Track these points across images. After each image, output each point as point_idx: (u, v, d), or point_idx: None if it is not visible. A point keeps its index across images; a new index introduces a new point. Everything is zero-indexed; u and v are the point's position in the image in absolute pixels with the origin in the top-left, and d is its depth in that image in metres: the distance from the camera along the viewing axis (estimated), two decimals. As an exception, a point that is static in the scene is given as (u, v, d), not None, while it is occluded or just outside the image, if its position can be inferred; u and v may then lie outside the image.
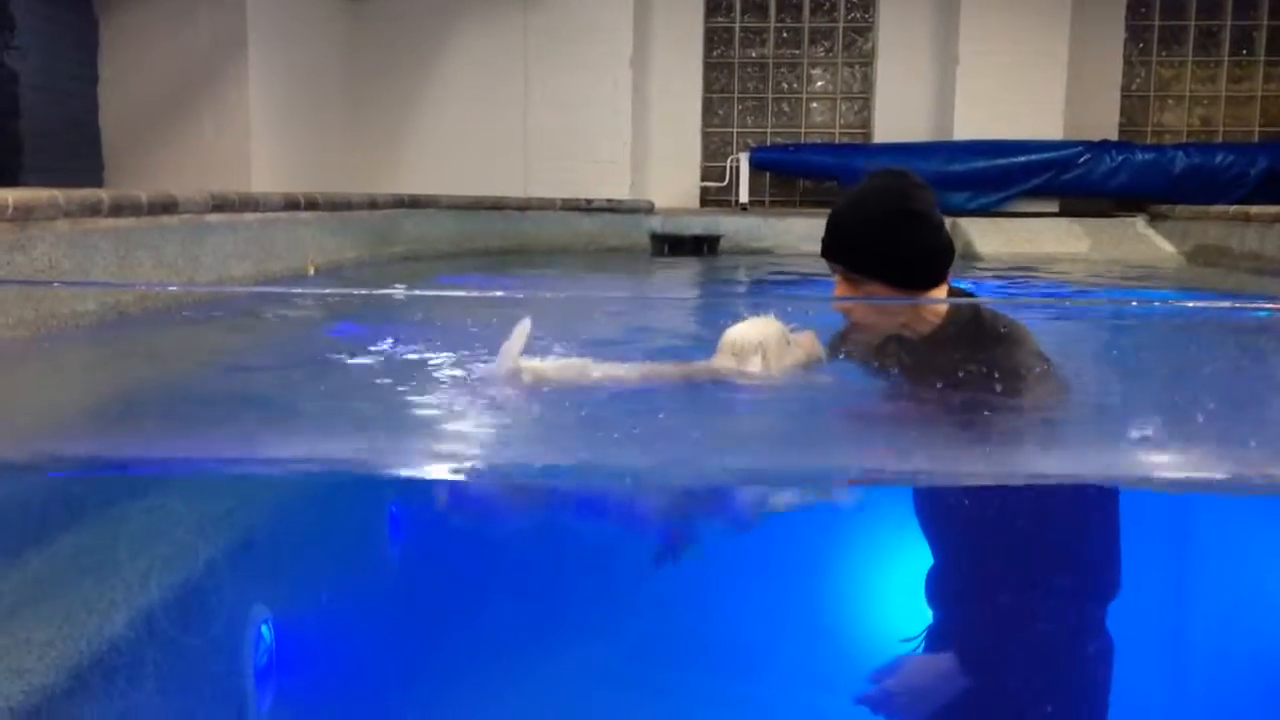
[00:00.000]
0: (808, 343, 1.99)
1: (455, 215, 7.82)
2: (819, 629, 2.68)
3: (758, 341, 1.96)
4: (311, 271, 5.02)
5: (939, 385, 2.00)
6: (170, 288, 3.70)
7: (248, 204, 4.79)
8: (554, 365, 2.01)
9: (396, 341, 2.63)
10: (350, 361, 2.62)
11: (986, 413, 1.94)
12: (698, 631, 2.95)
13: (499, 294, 2.13)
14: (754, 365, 1.93)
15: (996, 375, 1.95)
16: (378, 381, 2.48)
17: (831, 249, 2.07)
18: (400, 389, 2.36)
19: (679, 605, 2.83)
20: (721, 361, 2.00)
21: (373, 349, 2.63)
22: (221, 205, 4.48)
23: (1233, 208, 7.51)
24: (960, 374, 1.98)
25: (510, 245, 8.12)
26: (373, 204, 6.71)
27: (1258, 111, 10.19)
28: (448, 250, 7.43)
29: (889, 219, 2.02)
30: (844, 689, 2.16)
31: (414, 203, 7.41)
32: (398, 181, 9.00)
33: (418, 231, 7.26)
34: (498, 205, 8.33)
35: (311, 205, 5.64)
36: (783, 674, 2.70)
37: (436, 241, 7.39)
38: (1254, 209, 7.06)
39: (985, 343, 2.01)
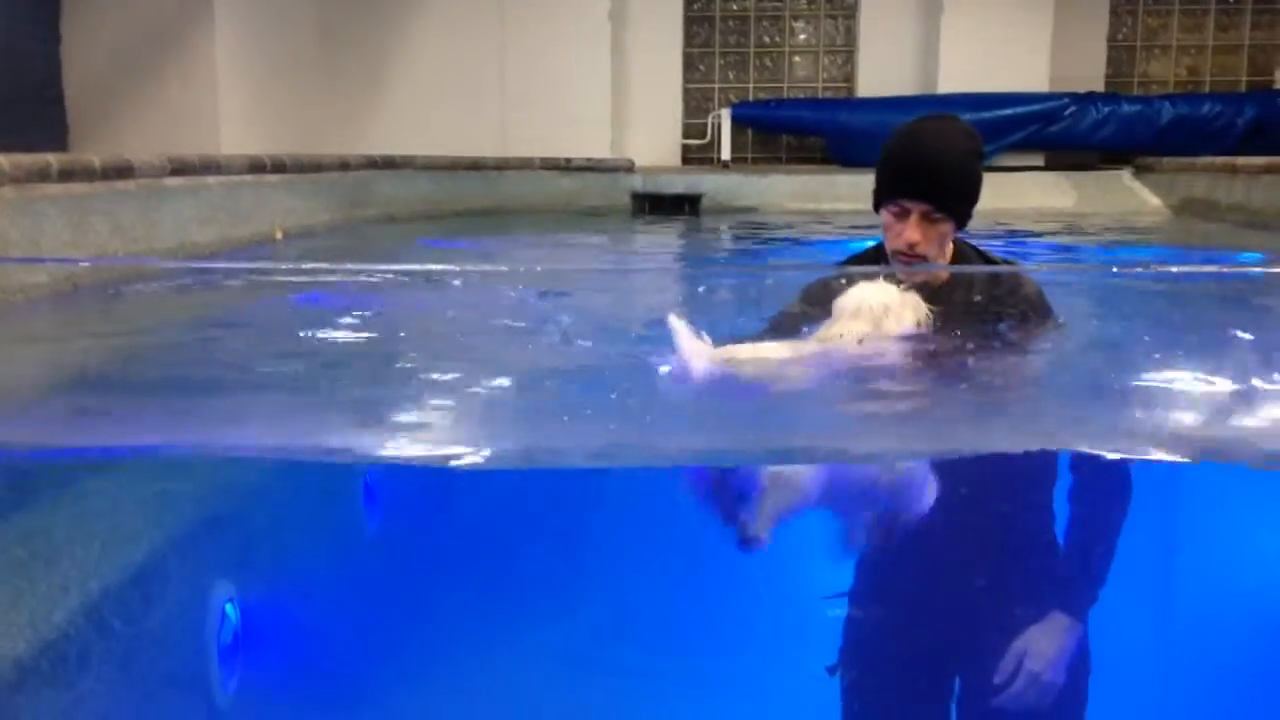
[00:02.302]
0: (915, 303, 1.99)
1: (431, 176, 7.65)
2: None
3: (885, 304, 1.95)
4: (279, 236, 4.87)
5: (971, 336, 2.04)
6: (126, 261, 3.57)
7: (209, 167, 4.64)
8: (745, 349, 1.98)
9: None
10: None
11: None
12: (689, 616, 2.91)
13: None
14: (890, 327, 1.94)
15: (1011, 324, 2.03)
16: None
17: (918, 189, 2.03)
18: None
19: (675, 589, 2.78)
20: (847, 326, 1.96)
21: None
22: (181, 169, 4.33)
23: (1220, 159, 7.41)
24: (982, 324, 2.04)
25: (488, 205, 7.96)
26: (344, 165, 6.54)
27: (1245, 61, 10.06)
28: (423, 212, 7.28)
29: (973, 159, 2.06)
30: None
31: (388, 163, 7.24)
32: (373, 138, 8.79)
33: (392, 193, 7.10)
34: (475, 165, 8.17)
35: (279, 168, 5.49)
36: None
37: (412, 203, 7.23)
38: (1241, 160, 6.97)
39: (998, 294, 2.07)
